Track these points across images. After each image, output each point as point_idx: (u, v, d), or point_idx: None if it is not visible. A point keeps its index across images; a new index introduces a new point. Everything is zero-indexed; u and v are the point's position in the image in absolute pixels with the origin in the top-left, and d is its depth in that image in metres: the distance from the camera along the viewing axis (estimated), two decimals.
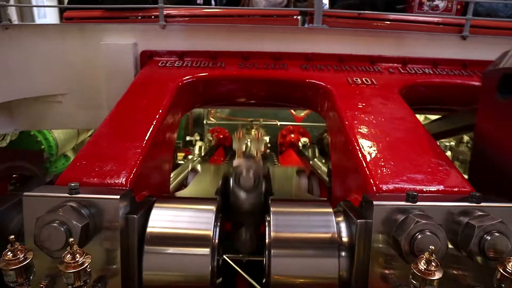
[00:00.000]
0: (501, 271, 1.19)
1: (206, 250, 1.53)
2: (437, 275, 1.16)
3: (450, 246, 1.39)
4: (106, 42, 3.32)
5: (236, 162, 2.16)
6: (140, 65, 3.32)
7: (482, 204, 1.46)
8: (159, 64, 3.18)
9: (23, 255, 1.24)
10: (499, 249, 1.30)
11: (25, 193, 1.45)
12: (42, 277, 1.40)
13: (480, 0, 3.81)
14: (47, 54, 3.40)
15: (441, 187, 1.66)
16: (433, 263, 1.17)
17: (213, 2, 5.30)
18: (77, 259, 1.21)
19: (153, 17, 3.58)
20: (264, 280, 1.59)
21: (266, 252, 1.55)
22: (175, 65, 3.16)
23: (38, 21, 8.66)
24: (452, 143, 10.01)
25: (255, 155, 2.15)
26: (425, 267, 1.17)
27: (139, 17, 3.66)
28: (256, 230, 2.09)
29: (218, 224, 1.65)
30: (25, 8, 8.03)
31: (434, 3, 3.81)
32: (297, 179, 2.58)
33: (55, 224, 1.32)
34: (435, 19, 3.70)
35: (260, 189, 2.05)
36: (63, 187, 1.50)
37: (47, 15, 8.92)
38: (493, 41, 3.43)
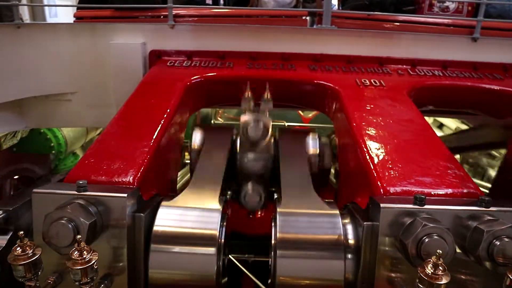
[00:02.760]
0: (510, 277, 1.17)
1: (212, 250, 1.54)
2: (444, 280, 1.15)
3: (458, 250, 1.38)
4: (115, 42, 3.34)
5: (244, 117, 2.00)
6: (149, 64, 3.34)
7: (492, 208, 1.44)
8: (168, 64, 3.20)
9: (31, 250, 1.26)
10: (509, 255, 1.28)
11: (34, 190, 1.47)
12: (50, 273, 1.42)
13: (492, 2, 3.76)
14: (57, 53, 3.44)
15: (449, 191, 1.64)
16: (440, 268, 1.16)
17: (221, 2, 5.31)
18: (84, 256, 1.23)
19: (162, 17, 3.60)
20: (269, 281, 1.59)
21: (272, 252, 1.55)
22: (184, 64, 3.17)
23: (49, 20, 8.76)
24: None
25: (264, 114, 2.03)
26: (432, 271, 1.16)
27: (149, 17, 3.69)
28: (264, 189, 2.02)
29: (224, 224, 1.65)
30: (37, 8, 8.12)
31: (445, 4, 3.77)
32: (306, 142, 2.46)
33: (63, 221, 1.33)
34: (446, 21, 3.66)
35: (269, 145, 1.96)
36: (71, 184, 1.52)
37: (59, 15, 9.01)
38: (505, 43, 3.38)
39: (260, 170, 1.99)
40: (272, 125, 1.98)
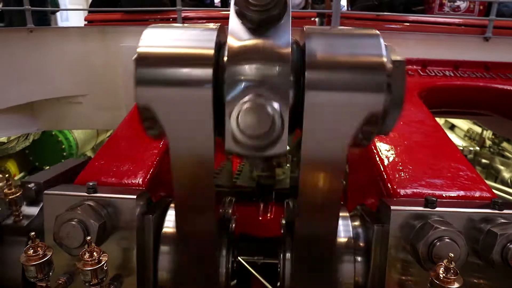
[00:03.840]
0: None
1: (221, 252, 1.54)
2: (457, 284, 1.13)
3: (470, 254, 1.35)
4: (125, 44, 3.38)
5: None
6: None
7: (505, 211, 1.41)
8: None
9: (43, 251, 1.27)
10: None
11: (45, 191, 1.49)
12: (61, 274, 1.43)
13: (505, 0, 3.71)
14: (69, 56, 3.50)
15: (461, 193, 1.62)
16: (452, 271, 1.14)
17: (231, 4, 5.32)
18: (94, 257, 1.23)
19: (171, 19, 3.63)
20: (278, 284, 1.58)
21: (282, 255, 1.54)
22: None
23: (61, 24, 8.89)
24: (477, 148, 9.76)
25: None
26: (444, 275, 1.14)
27: (158, 20, 3.72)
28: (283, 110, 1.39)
29: (233, 226, 1.65)
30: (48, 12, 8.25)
31: (456, 3, 3.73)
32: None
33: (73, 222, 1.34)
34: (457, 20, 3.63)
35: (288, 28, 1.11)
36: (82, 186, 1.53)
37: (70, 18, 9.15)
38: None
39: (271, 77, 1.09)
40: None
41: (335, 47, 1.13)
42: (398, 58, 1.23)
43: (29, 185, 1.65)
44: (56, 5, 5.01)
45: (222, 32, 1.22)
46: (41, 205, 1.64)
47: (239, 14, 1.12)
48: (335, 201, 1.26)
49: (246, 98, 1.06)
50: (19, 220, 1.59)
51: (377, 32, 1.22)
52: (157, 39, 1.18)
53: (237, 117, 1.04)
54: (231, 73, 1.09)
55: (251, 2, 1.04)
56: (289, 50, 1.09)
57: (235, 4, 1.09)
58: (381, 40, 1.21)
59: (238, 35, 1.12)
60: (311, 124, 1.13)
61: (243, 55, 1.10)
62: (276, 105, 1.05)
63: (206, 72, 1.08)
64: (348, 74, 1.09)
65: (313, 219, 1.30)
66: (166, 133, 1.19)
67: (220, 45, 1.16)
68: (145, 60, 1.13)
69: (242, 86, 1.09)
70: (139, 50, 1.15)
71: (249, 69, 1.09)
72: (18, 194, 1.57)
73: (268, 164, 5.96)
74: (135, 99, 1.15)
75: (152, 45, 1.16)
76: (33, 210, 1.64)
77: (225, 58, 1.11)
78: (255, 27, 1.12)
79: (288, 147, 1.16)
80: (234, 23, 1.14)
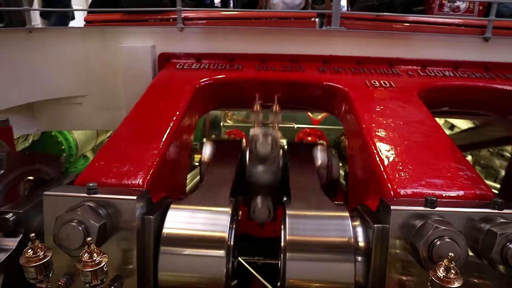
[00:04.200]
0: None
1: (221, 252, 1.54)
2: (457, 284, 1.13)
3: (470, 253, 1.35)
4: (125, 45, 3.37)
5: (253, 131, 2.09)
6: (158, 67, 3.36)
7: (505, 210, 1.41)
8: (177, 66, 3.21)
9: (42, 252, 1.27)
10: None
11: (45, 193, 1.49)
12: (60, 275, 1.43)
13: (504, 1, 3.71)
14: (68, 57, 3.49)
15: (461, 193, 1.62)
16: (452, 271, 1.14)
17: (231, 4, 5.32)
18: (94, 258, 1.23)
19: (171, 19, 3.63)
20: (279, 284, 1.58)
21: (282, 255, 1.54)
22: (193, 67, 3.18)
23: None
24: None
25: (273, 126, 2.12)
26: (444, 274, 1.14)
27: (158, 20, 3.72)
28: (273, 201, 2.07)
29: (234, 226, 1.65)
30: None
31: (455, 4, 3.73)
32: (314, 154, 2.55)
33: (73, 224, 1.34)
34: (456, 21, 3.62)
35: (277, 158, 2.00)
36: (82, 187, 1.53)
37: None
38: None
39: (269, 183, 2.04)
40: (281, 127, 2.01)
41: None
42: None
43: (6, 216, 1.53)
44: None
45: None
46: (20, 236, 1.53)
47: (252, 151, 2.07)
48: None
49: (258, 200, 2.07)
50: None
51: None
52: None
53: (253, 210, 2.09)
54: (249, 182, 2.17)
55: (258, 153, 2.03)
56: (277, 171, 2.16)
57: (250, 144, 2.05)
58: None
59: (252, 160, 2.18)
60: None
61: (254, 173, 2.15)
62: (270, 201, 2.08)
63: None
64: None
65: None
66: None
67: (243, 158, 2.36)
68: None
69: (254, 191, 2.12)
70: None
71: (257, 183, 2.15)
72: None
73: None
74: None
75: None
76: (12, 243, 1.51)
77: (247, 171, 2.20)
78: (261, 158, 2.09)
79: None
80: (250, 153, 2.13)
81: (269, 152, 1.96)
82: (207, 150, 2.57)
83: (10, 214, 1.55)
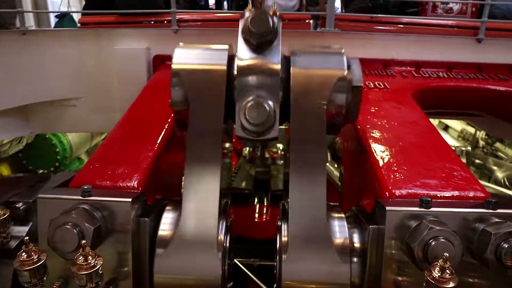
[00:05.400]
0: None
1: (217, 254, 1.53)
2: (452, 283, 1.13)
3: (465, 253, 1.36)
4: (119, 47, 3.36)
5: (246, 13, 1.61)
6: (153, 69, 3.36)
7: (499, 210, 1.42)
8: None
9: (37, 256, 1.26)
10: None
11: (39, 195, 1.48)
12: (55, 279, 1.42)
13: (496, 2, 3.74)
14: (62, 59, 3.47)
15: (455, 193, 1.63)
16: (447, 271, 1.14)
17: (225, 6, 5.33)
18: (89, 261, 1.22)
19: (166, 21, 3.62)
20: (275, 285, 1.58)
21: (277, 256, 1.54)
22: None
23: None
24: (468, 148, 9.83)
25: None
26: (439, 274, 1.14)
27: (152, 22, 3.71)
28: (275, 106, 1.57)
29: (229, 228, 1.65)
30: (42, 14, 8.21)
31: (448, 5, 3.76)
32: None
33: (68, 226, 1.33)
34: (450, 22, 3.65)
35: (278, 50, 1.55)
36: (76, 189, 1.52)
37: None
38: (510, 44, 3.37)
39: (267, 85, 1.56)
40: None
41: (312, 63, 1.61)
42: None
43: (17, 205, 1.60)
44: None
45: (231, 48, 1.78)
46: (30, 224, 1.60)
47: (245, 39, 1.64)
48: (321, 169, 1.57)
49: (250, 98, 1.55)
50: (6, 242, 1.55)
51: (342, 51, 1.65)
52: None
53: (244, 112, 1.53)
54: (239, 82, 1.60)
55: (253, 32, 1.57)
56: (279, 65, 1.61)
57: (242, 32, 1.63)
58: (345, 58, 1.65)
59: (244, 55, 1.64)
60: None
61: (247, 70, 1.61)
62: (270, 102, 1.55)
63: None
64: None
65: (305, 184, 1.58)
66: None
67: (231, 58, 1.71)
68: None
69: (247, 90, 1.58)
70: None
71: (251, 80, 1.60)
72: (5, 216, 1.52)
73: (264, 158, 6.10)
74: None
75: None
76: (23, 230, 1.59)
77: (235, 71, 1.62)
78: (255, 48, 1.63)
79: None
80: (241, 45, 1.66)
81: (268, 30, 1.52)
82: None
83: (20, 203, 1.60)
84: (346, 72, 1.64)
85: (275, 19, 1.64)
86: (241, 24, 1.65)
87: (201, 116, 1.66)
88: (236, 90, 1.61)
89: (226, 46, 1.76)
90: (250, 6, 1.75)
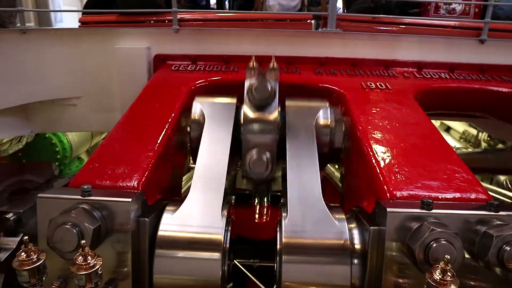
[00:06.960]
0: None
1: (216, 255, 1.53)
2: (453, 286, 1.12)
3: (466, 256, 1.35)
4: (120, 46, 3.36)
5: (249, 80, 2.01)
6: (154, 68, 3.35)
7: (501, 213, 1.41)
8: (172, 68, 3.20)
9: (36, 256, 1.26)
10: None
11: (39, 195, 1.47)
12: (54, 278, 1.42)
13: (500, 3, 3.73)
14: (63, 58, 3.47)
15: (457, 195, 1.62)
16: (448, 273, 1.13)
17: (226, 6, 5.32)
18: (88, 261, 1.22)
19: (166, 21, 3.62)
20: (275, 286, 1.57)
21: (277, 257, 1.53)
22: (188, 69, 3.17)
23: (55, 25, 8.84)
24: (469, 150, 9.79)
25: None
26: (440, 277, 1.14)
27: (153, 21, 3.71)
28: (271, 158, 1.96)
29: (229, 228, 1.64)
30: (42, 13, 8.21)
31: (451, 6, 3.75)
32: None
33: (67, 226, 1.33)
34: (452, 23, 3.64)
35: (275, 115, 1.93)
36: (76, 189, 1.52)
37: (64, 20, 9.10)
38: None
39: (266, 141, 1.98)
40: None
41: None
42: None
43: (7, 216, 1.56)
44: None
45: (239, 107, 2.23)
46: (20, 236, 1.56)
47: (249, 100, 2.04)
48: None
49: (253, 152, 1.97)
50: None
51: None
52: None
53: (248, 163, 1.94)
54: (245, 138, 2.06)
55: (256, 98, 2.00)
56: (276, 122, 2.06)
57: (247, 93, 2.03)
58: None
59: (249, 113, 2.07)
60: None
61: (251, 126, 2.05)
62: (268, 154, 1.97)
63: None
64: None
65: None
66: None
67: (239, 109, 2.21)
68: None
69: (251, 145, 2.03)
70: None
71: (254, 137, 2.06)
72: None
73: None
74: None
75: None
76: (13, 241, 1.55)
77: (242, 128, 2.08)
78: (258, 107, 2.06)
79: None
80: (247, 104, 2.07)
81: (267, 97, 1.87)
82: (197, 110, 2.29)
83: (11, 214, 1.58)
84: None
85: (273, 84, 2.01)
86: (246, 85, 2.07)
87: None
88: (243, 143, 2.08)
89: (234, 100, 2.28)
90: (253, 63, 2.13)
